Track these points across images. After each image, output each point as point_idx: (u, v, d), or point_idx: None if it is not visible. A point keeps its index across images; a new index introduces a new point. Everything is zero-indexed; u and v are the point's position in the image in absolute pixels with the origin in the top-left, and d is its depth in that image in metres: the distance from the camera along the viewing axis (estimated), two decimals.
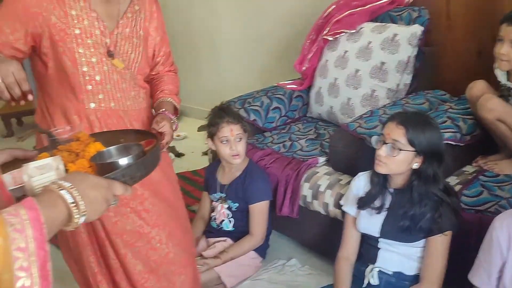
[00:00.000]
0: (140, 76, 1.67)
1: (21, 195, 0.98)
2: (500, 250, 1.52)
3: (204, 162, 2.80)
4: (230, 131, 2.32)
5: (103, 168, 1.01)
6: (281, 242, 2.69)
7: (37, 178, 1.00)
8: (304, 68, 3.06)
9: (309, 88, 3.09)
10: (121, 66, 1.56)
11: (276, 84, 3.17)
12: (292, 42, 3.68)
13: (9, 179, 1.04)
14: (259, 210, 2.41)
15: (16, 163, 1.10)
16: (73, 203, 0.82)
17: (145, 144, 1.18)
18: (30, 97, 1.28)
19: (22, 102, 1.30)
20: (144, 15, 1.64)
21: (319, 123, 3.00)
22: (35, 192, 0.99)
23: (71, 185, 0.83)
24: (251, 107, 2.89)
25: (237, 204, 2.46)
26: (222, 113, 2.38)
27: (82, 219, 0.84)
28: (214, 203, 2.56)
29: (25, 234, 0.71)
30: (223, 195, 2.50)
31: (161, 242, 1.70)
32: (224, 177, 2.52)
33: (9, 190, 0.82)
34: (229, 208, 2.49)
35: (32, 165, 1.03)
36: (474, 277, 1.61)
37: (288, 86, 3.12)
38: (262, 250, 2.52)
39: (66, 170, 1.05)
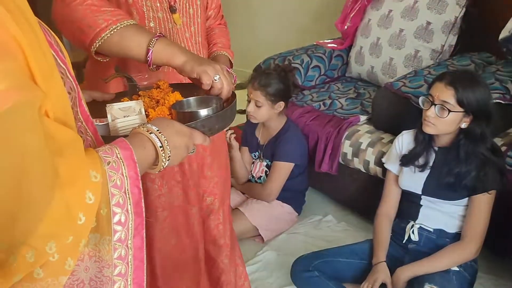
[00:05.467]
0: (203, 33, 1.56)
1: (102, 134, 1.01)
2: None
3: (241, 119, 2.82)
4: (250, 94, 2.37)
5: (183, 116, 1.01)
6: (317, 199, 2.73)
7: (121, 120, 1.03)
8: (345, 27, 3.02)
9: (349, 47, 3.07)
10: (178, 23, 1.45)
11: (315, 43, 3.14)
12: (333, 2, 3.62)
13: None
14: (279, 168, 2.42)
15: (94, 104, 1.12)
16: (161, 147, 0.84)
17: None
18: None
19: None
20: None
21: (359, 83, 2.99)
22: (119, 133, 1.02)
23: (158, 130, 0.85)
24: (291, 65, 2.88)
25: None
26: (254, 74, 2.42)
27: (167, 163, 0.86)
28: (254, 160, 2.60)
29: (120, 172, 0.73)
30: (260, 153, 2.54)
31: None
32: (263, 136, 2.55)
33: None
34: (267, 166, 2.53)
35: (116, 106, 1.06)
36: None
37: (328, 45, 3.09)
38: (298, 206, 2.56)
39: (147, 115, 1.07)
